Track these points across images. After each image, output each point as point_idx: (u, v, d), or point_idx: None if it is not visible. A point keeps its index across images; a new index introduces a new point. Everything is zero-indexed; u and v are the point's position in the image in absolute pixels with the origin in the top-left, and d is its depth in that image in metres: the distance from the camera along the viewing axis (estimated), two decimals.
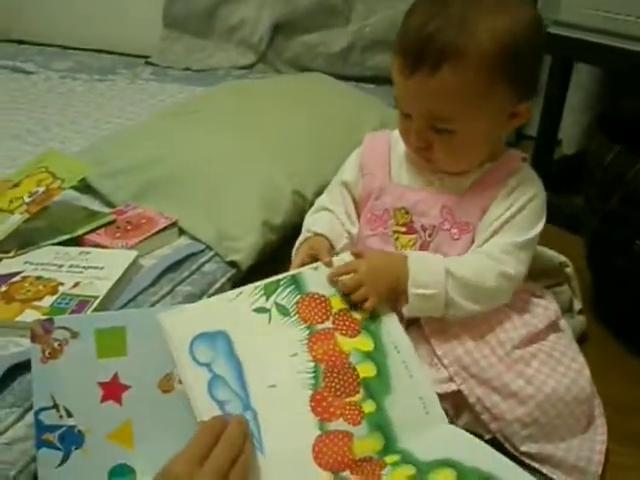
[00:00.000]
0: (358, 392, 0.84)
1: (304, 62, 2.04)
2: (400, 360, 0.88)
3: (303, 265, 0.94)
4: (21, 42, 2.41)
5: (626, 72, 1.45)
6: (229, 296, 0.88)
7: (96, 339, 0.83)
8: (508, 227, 0.92)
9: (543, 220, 0.95)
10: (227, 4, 2.11)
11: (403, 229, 0.96)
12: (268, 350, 0.84)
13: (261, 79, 1.94)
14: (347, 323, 0.89)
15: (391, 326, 0.90)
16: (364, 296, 0.88)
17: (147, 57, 2.22)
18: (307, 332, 0.86)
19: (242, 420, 0.76)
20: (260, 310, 0.87)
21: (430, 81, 0.83)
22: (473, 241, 0.94)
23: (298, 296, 0.89)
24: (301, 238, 1.01)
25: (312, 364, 0.84)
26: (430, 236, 0.94)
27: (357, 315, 0.90)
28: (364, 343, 0.88)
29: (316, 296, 0.90)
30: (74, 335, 0.82)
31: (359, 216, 1.02)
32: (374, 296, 0.88)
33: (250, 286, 0.89)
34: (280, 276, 0.91)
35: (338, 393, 0.83)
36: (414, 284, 0.88)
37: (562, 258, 1.12)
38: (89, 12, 2.29)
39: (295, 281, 0.90)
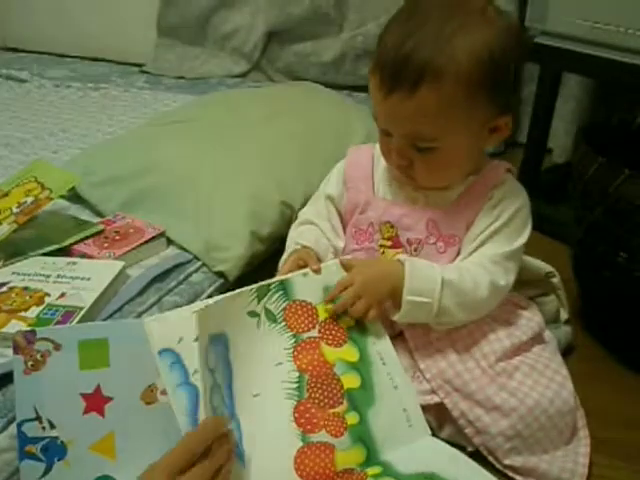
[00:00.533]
0: (342, 403, 0.84)
1: (297, 71, 2.05)
2: (385, 372, 0.88)
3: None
4: (15, 50, 2.42)
5: (614, 83, 1.46)
6: (232, 295, 0.88)
7: (79, 351, 0.82)
8: (496, 238, 0.92)
9: (529, 229, 0.95)
10: (221, 12, 2.11)
11: (389, 243, 0.96)
12: (255, 357, 0.85)
13: (251, 88, 1.94)
14: (333, 332, 0.89)
15: (377, 336, 0.90)
16: (365, 308, 0.87)
17: (142, 65, 2.23)
18: (293, 341, 0.87)
19: (230, 433, 0.76)
20: (252, 314, 0.87)
21: (409, 101, 0.83)
22: (459, 253, 0.94)
23: (286, 302, 0.89)
24: (288, 251, 1.01)
25: (296, 374, 0.85)
26: (416, 250, 0.95)
27: (343, 324, 0.89)
28: (349, 353, 0.88)
29: (303, 303, 0.90)
30: (57, 347, 0.82)
31: (345, 229, 1.02)
32: (375, 306, 0.88)
33: (247, 288, 0.89)
34: (271, 280, 0.90)
35: (322, 404, 0.83)
36: (409, 292, 0.87)
37: (549, 268, 1.12)
38: (84, 20, 2.30)
39: (284, 287, 0.90)
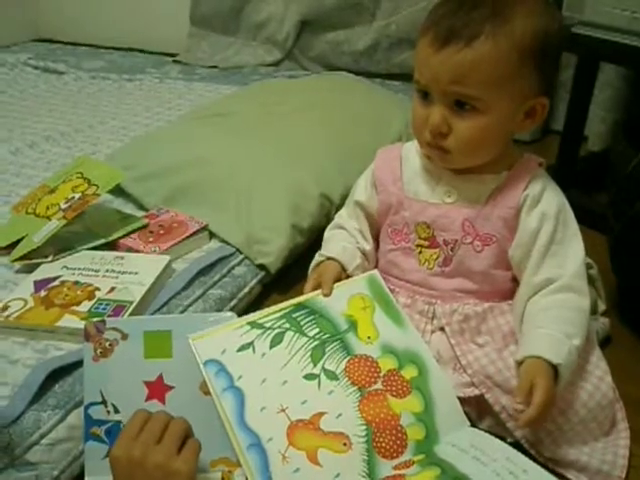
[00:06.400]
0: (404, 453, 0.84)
1: (330, 59, 2.06)
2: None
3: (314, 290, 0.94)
4: (52, 41, 2.45)
5: None
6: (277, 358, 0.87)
7: (144, 341, 0.86)
8: (562, 247, 0.92)
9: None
10: (253, 2, 2.13)
11: (426, 243, 0.96)
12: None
13: (289, 79, 1.96)
14: (396, 384, 0.88)
15: (438, 382, 0.90)
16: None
17: (175, 55, 2.25)
18: (358, 394, 0.86)
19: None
20: (309, 377, 0.86)
21: (464, 51, 0.84)
22: (501, 253, 0.94)
23: (345, 360, 0.89)
24: (315, 260, 1.02)
25: (364, 427, 0.84)
26: (452, 250, 0.95)
27: (407, 374, 0.89)
28: (414, 404, 0.87)
29: (363, 358, 0.89)
30: (124, 336, 0.86)
31: (377, 233, 1.03)
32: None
33: (294, 351, 0.88)
34: (328, 338, 0.90)
35: (387, 454, 0.84)
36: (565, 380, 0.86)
37: (587, 260, 1.12)
38: (117, 10, 2.33)
39: (344, 345, 0.90)
